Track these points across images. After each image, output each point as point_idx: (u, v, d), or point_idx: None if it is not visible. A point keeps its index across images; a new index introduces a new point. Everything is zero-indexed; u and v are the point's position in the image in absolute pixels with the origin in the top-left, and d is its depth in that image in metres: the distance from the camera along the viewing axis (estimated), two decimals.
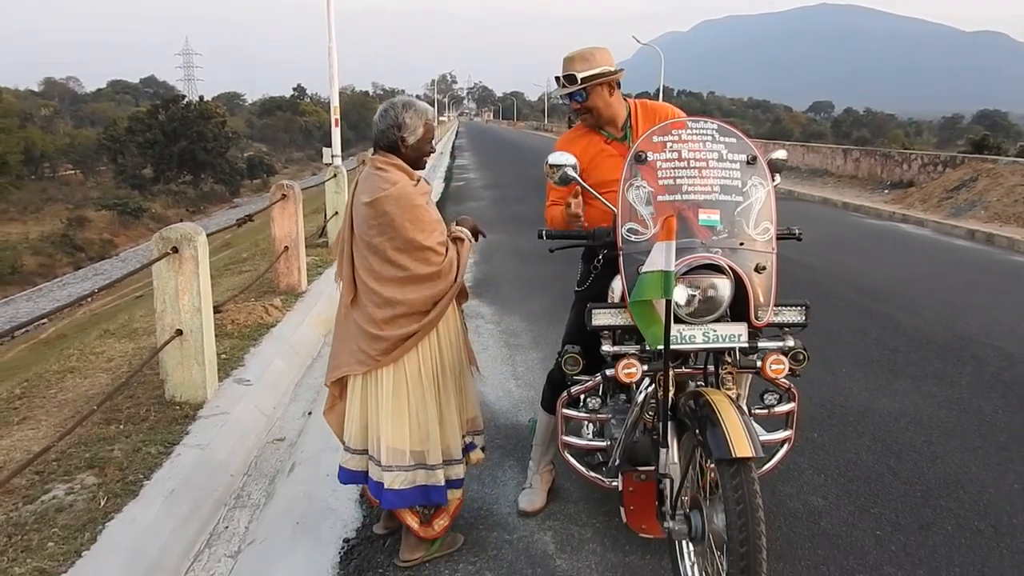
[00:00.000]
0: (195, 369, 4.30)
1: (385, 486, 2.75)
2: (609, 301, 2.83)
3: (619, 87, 3.15)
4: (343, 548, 3.05)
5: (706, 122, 2.76)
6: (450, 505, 2.91)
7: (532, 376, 5.00)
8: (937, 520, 3.18)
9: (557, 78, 3.10)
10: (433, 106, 3.01)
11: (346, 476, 2.93)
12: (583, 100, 3.05)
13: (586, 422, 3.12)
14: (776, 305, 2.62)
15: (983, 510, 3.25)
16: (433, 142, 2.91)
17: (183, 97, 54.71)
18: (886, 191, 16.95)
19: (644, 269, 2.37)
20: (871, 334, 5.88)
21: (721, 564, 2.33)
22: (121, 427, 3.95)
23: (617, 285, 2.79)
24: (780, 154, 2.92)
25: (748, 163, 2.68)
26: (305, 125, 77.49)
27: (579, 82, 3.00)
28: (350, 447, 2.88)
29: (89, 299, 4.03)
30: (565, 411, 2.92)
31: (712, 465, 2.36)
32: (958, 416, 4.29)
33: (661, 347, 2.46)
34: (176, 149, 44.40)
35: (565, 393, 2.92)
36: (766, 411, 2.83)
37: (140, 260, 28.44)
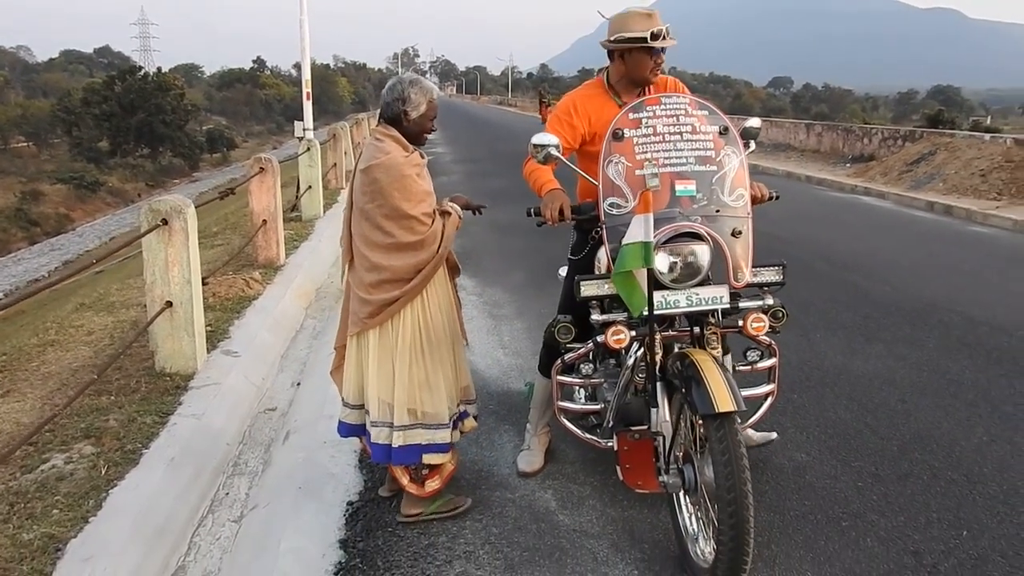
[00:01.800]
0: (185, 340, 4.31)
1: (371, 439, 2.92)
2: (596, 272, 2.96)
3: None
4: (348, 510, 3.12)
5: (679, 97, 2.90)
6: (442, 469, 3.01)
7: (518, 345, 5.09)
8: (913, 471, 3.35)
9: (657, 32, 2.99)
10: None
11: (346, 430, 3.09)
12: (663, 53, 3.09)
13: (579, 387, 3.23)
14: (754, 267, 2.75)
15: (955, 461, 3.44)
16: (435, 121, 2.99)
17: (140, 68, 53.30)
18: (848, 165, 17.28)
19: (625, 241, 2.49)
20: (842, 301, 6.08)
21: (713, 512, 2.46)
22: (113, 398, 3.96)
23: (604, 256, 2.91)
24: (754, 122, 3.10)
25: (721, 133, 2.81)
26: (265, 98, 76.06)
27: (667, 37, 3.02)
28: (348, 402, 3.03)
29: (93, 266, 4.02)
30: (560, 378, 3.04)
31: (699, 421, 2.50)
32: (928, 376, 4.48)
33: (635, 315, 2.61)
34: (133, 122, 43.26)
35: (559, 361, 3.03)
36: (749, 367, 2.99)
37: (98, 235, 27.87)
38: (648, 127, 2.80)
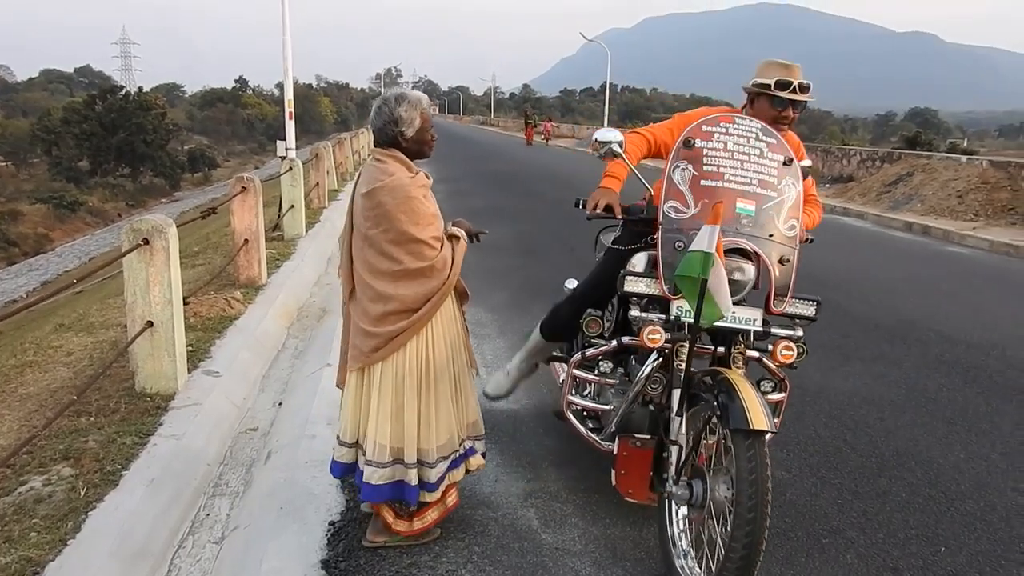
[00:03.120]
0: (166, 360, 4.28)
1: (363, 479, 2.80)
2: (630, 270, 2.98)
3: None
4: (330, 530, 3.10)
5: (751, 121, 2.94)
6: (433, 509, 2.92)
7: (500, 364, 5.08)
8: (893, 488, 3.39)
9: (786, 82, 2.98)
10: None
11: (339, 470, 2.93)
12: (799, 111, 3.07)
13: (591, 384, 3.29)
14: (792, 297, 2.80)
15: (933, 478, 3.48)
16: (434, 130, 2.87)
17: (121, 88, 53.18)
18: (827, 185, 17.51)
19: (691, 248, 2.51)
20: (821, 320, 6.06)
21: (715, 531, 2.48)
22: (92, 419, 3.92)
23: (639, 259, 2.99)
24: (806, 163, 3.11)
25: (784, 164, 2.87)
26: (247, 118, 76.05)
27: (810, 94, 3.03)
28: (344, 440, 2.87)
29: (72, 287, 3.99)
30: (577, 372, 3.10)
31: (722, 437, 2.53)
32: (907, 394, 4.54)
33: (687, 320, 2.65)
34: (114, 141, 43.14)
35: (580, 354, 3.10)
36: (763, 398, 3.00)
37: (77, 256, 27.65)
38: (719, 142, 2.86)
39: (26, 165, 47.25)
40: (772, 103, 3.02)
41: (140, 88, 55.51)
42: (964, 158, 15.64)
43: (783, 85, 2.98)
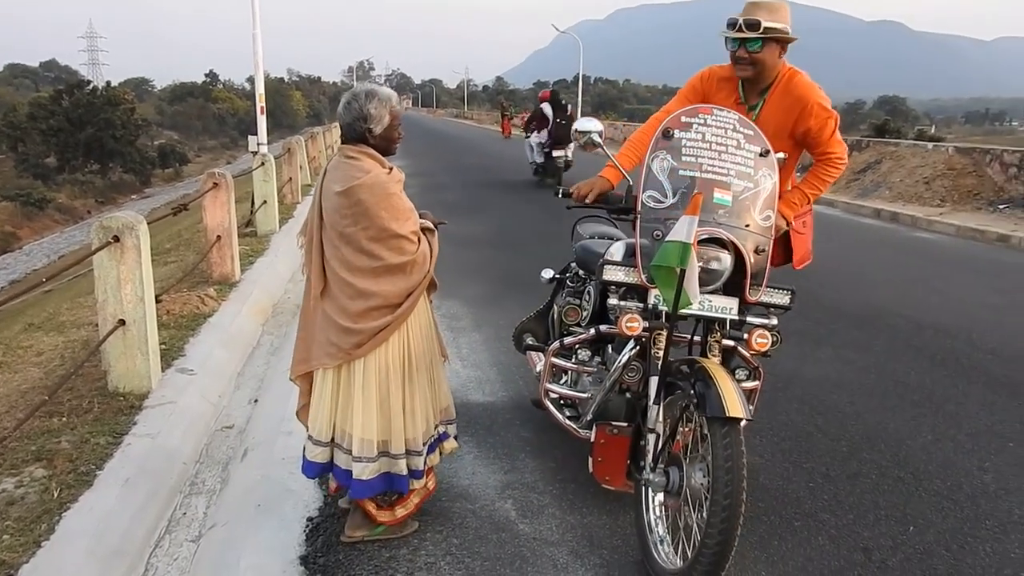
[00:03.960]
0: (139, 359, 4.25)
1: (354, 476, 2.78)
2: (609, 259, 3.00)
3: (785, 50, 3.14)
4: (307, 526, 3.11)
5: (729, 112, 2.97)
6: (414, 495, 2.95)
7: (477, 357, 5.11)
8: (862, 471, 3.46)
9: (732, 21, 3.02)
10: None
11: (315, 470, 2.92)
12: (756, 50, 3.02)
13: (569, 372, 3.36)
14: (767, 286, 2.84)
15: (902, 460, 3.55)
16: (401, 127, 2.87)
17: (88, 82, 52.28)
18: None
19: (669, 238, 2.53)
20: (794, 307, 6.21)
21: (691, 517, 2.53)
22: (65, 419, 3.88)
23: (617, 248, 3.03)
24: (780, 155, 3.10)
25: (761, 155, 2.90)
26: (218, 112, 75.17)
27: (761, 30, 2.97)
28: (318, 439, 2.85)
29: (41, 286, 3.94)
30: (555, 360, 3.15)
31: (695, 427, 2.58)
32: (876, 379, 4.62)
33: (665, 309, 2.68)
34: (82, 137, 42.42)
35: (558, 343, 3.15)
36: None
37: (46, 254, 27.21)
38: (698, 132, 2.88)
39: None
40: (726, 44, 3.07)
41: (108, 83, 54.46)
42: (931, 145, 15.87)
43: (730, 24, 3.01)
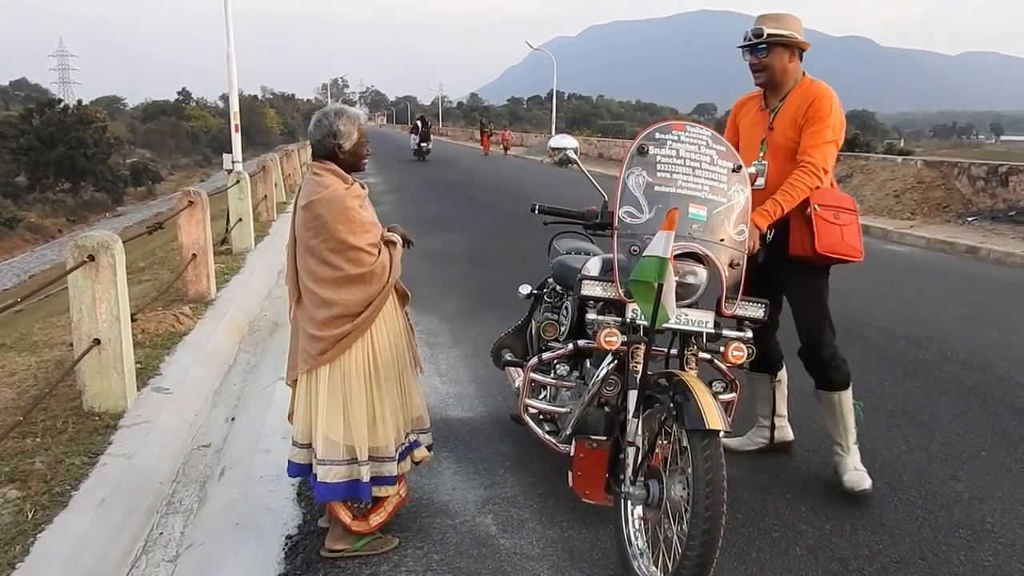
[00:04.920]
0: (114, 378, 4.21)
1: (318, 478, 2.85)
2: (587, 274, 3.04)
3: (801, 59, 3.41)
4: (287, 544, 3.08)
5: (702, 129, 3.04)
6: (388, 502, 2.99)
7: (455, 372, 5.12)
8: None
9: (747, 33, 3.36)
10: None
11: (294, 470, 3.00)
12: (763, 56, 3.33)
13: (548, 387, 3.38)
14: (742, 299, 2.88)
15: (878, 470, 3.59)
16: (369, 145, 3.00)
17: (59, 101, 51.82)
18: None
19: (646, 253, 2.57)
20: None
21: (671, 530, 2.55)
22: (39, 440, 3.83)
23: (594, 264, 3.10)
24: (751, 170, 3.17)
25: (733, 171, 2.94)
26: (192, 130, 74.77)
27: (764, 36, 3.29)
28: (298, 441, 2.95)
29: (14, 306, 3.90)
30: (533, 375, 3.19)
31: (673, 440, 2.61)
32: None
33: (643, 323, 2.71)
34: (53, 156, 42.00)
35: (536, 358, 3.19)
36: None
37: (16, 273, 26.78)
38: (672, 149, 2.93)
39: None
40: (744, 58, 3.41)
41: (79, 101, 54.07)
42: (900, 159, 16.16)
43: (756, 34, 3.33)
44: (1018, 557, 2.95)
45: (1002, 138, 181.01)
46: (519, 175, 24.22)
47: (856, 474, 3.41)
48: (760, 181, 3.31)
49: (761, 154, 3.39)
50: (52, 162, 42.40)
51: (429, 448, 3.16)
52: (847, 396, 3.53)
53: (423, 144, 30.28)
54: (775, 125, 3.38)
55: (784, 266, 3.39)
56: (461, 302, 7.07)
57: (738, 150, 3.23)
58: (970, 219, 12.61)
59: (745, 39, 3.35)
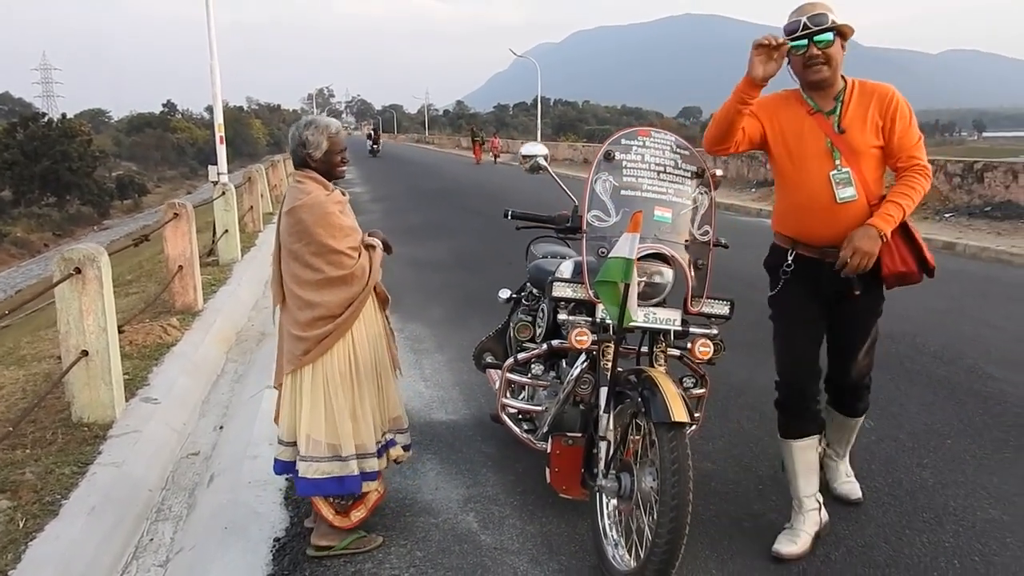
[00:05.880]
0: (103, 389, 4.29)
1: (299, 474, 2.96)
2: (558, 277, 3.16)
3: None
4: (274, 546, 3.17)
5: (666, 134, 3.16)
6: (368, 498, 3.10)
7: (440, 377, 5.21)
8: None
9: (793, 26, 2.85)
10: None
11: (280, 467, 3.11)
12: (828, 44, 2.84)
13: (527, 387, 3.51)
14: (707, 297, 3.00)
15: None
16: (346, 153, 3.10)
17: (43, 115, 51.61)
18: (752, 190, 18.09)
19: (612, 254, 2.67)
20: (747, 319, 6.35)
21: (642, 520, 2.65)
22: (28, 451, 3.90)
23: (567, 267, 3.22)
24: (718, 172, 3.27)
25: (696, 174, 3.08)
26: (177, 142, 74.51)
27: (829, 23, 2.81)
28: (283, 440, 3.06)
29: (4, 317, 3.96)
30: (510, 375, 3.30)
31: (643, 434, 2.71)
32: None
33: (611, 322, 2.81)
34: (38, 170, 41.78)
35: (512, 359, 3.30)
36: (683, 393, 3.17)
37: (2, 288, 26.64)
38: (637, 155, 3.06)
39: None
40: (794, 53, 2.88)
41: (64, 115, 53.99)
42: None
43: (792, 29, 2.85)
44: (977, 538, 3.07)
45: (984, 134, 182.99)
46: (509, 182, 24.29)
47: (848, 484, 3.37)
48: (851, 191, 2.86)
49: (837, 161, 2.90)
50: (37, 176, 42.18)
51: (406, 448, 3.27)
52: (862, 418, 3.37)
53: (374, 145, 45.47)
54: (846, 128, 2.90)
55: (845, 285, 2.95)
56: (447, 308, 7.16)
57: (770, 152, 3.03)
58: (947, 215, 12.81)
59: (799, 29, 2.83)
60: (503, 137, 52.68)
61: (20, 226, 38.07)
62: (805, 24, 2.81)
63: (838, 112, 2.93)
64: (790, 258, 3.03)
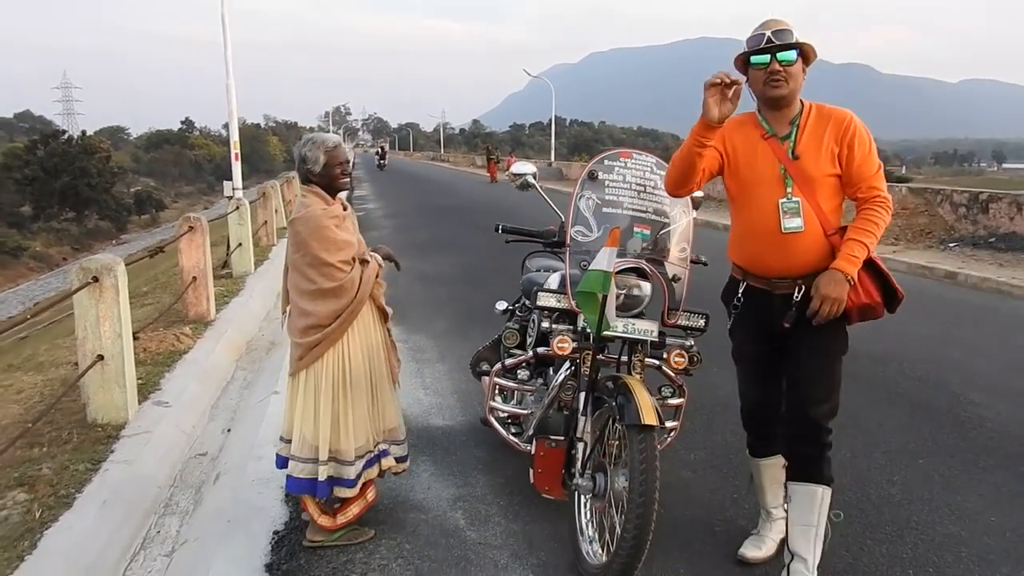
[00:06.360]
0: (116, 392, 4.51)
1: (287, 471, 3.18)
2: (545, 286, 3.40)
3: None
4: (273, 539, 3.37)
5: (647, 156, 3.39)
6: (354, 505, 3.27)
7: (439, 385, 5.42)
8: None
9: (757, 38, 2.76)
10: None
11: (280, 461, 3.30)
12: (791, 63, 2.73)
13: (513, 391, 3.72)
14: (683, 311, 3.21)
15: None
16: (347, 166, 3.26)
17: (63, 132, 52.54)
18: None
19: (591, 267, 2.88)
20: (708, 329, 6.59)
21: (616, 519, 2.83)
22: (45, 449, 4.12)
23: (554, 279, 3.43)
24: (698, 193, 3.20)
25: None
26: (195, 159, 75.56)
27: (794, 40, 2.72)
28: (283, 437, 3.27)
29: (18, 328, 4.20)
30: (498, 380, 3.52)
31: (618, 437, 2.90)
32: None
33: (591, 331, 3.02)
34: (58, 185, 42.62)
35: (500, 364, 3.52)
36: (661, 402, 3.37)
37: (21, 301, 27.12)
38: (619, 175, 3.30)
39: None
40: (753, 68, 2.79)
41: (83, 132, 54.87)
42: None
43: (754, 42, 2.77)
44: (934, 551, 3.24)
45: (1004, 166, 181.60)
46: (522, 201, 24.44)
47: None
48: (797, 222, 2.77)
49: (788, 189, 2.79)
50: (56, 192, 42.99)
51: (400, 460, 3.39)
52: (829, 494, 2.93)
53: (382, 161, 49.80)
54: (800, 154, 2.80)
55: (804, 320, 2.84)
56: (450, 321, 7.38)
57: (723, 176, 2.93)
58: (951, 245, 12.92)
59: (763, 43, 2.74)
60: (519, 156, 53.16)
61: (39, 240, 38.74)
62: (769, 38, 2.73)
63: (793, 137, 2.81)
64: (740, 291, 2.97)
